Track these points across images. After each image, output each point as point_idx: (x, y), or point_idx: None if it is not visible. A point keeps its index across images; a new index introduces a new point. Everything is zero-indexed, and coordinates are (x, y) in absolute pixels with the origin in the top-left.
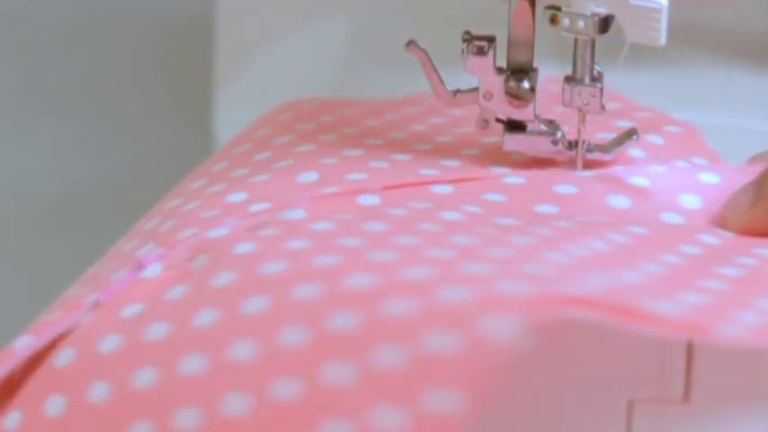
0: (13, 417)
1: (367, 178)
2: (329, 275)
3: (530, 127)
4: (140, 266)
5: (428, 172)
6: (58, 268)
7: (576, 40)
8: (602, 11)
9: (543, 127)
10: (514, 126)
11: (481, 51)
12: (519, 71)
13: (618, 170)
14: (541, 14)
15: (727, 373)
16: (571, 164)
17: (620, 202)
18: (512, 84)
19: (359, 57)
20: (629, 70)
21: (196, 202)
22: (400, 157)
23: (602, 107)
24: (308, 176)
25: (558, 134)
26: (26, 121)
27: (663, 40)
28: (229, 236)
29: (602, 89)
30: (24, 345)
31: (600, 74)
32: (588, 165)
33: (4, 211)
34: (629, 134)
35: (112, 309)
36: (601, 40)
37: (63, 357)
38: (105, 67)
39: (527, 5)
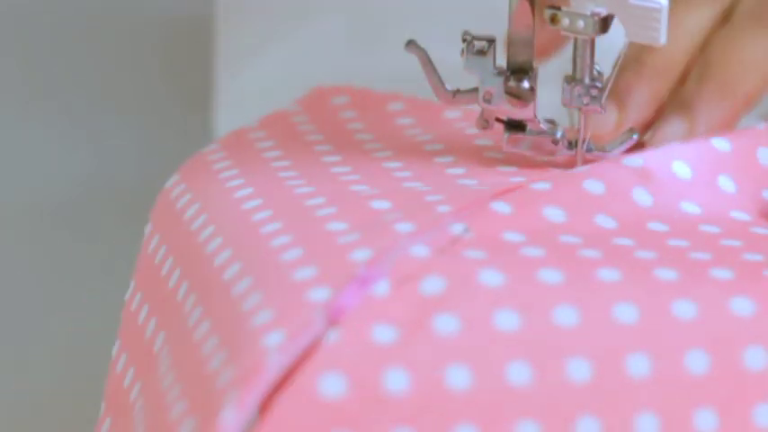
0: None
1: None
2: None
3: (530, 127)
4: (365, 281)
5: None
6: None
7: (575, 40)
8: (602, 11)
9: (543, 127)
10: (514, 126)
11: (481, 51)
12: (519, 71)
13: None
14: (541, 14)
15: None
16: (571, 164)
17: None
18: (512, 84)
19: (359, 57)
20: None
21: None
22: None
23: (602, 107)
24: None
25: (558, 134)
26: (25, 121)
27: (663, 40)
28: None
29: (601, 89)
30: (273, 365)
31: (600, 74)
32: (588, 164)
33: (4, 211)
34: (629, 133)
35: (358, 332)
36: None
37: (331, 387)
38: (105, 67)
39: (527, 5)
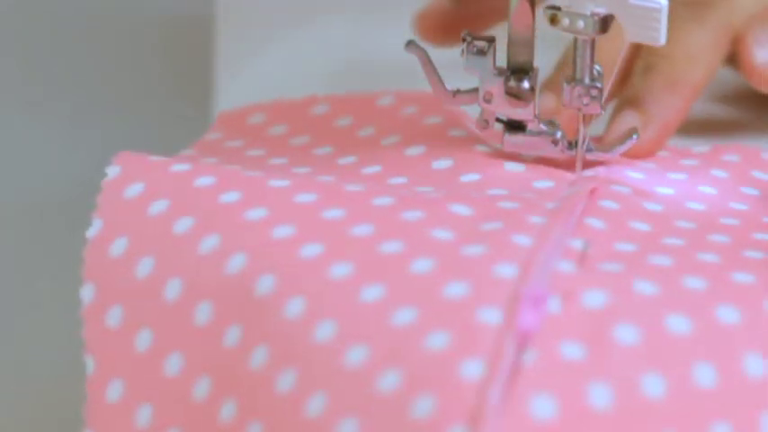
0: None
1: None
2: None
3: (530, 127)
4: (536, 301)
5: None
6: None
7: (575, 40)
8: (602, 11)
9: (543, 127)
10: (514, 126)
11: (481, 51)
12: (519, 71)
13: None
14: (541, 14)
15: None
16: (571, 164)
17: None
18: (512, 84)
19: (359, 56)
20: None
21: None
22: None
23: (602, 107)
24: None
25: (558, 134)
26: (24, 122)
27: (663, 40)
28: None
29: (601, 89)
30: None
31: (600, 74)
32: (588, 165)
33: (4, 211)
34: (630, 133)
35: (550, 352)
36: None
37: (542, 408)
38: (104, 67)
39: (527, 5)
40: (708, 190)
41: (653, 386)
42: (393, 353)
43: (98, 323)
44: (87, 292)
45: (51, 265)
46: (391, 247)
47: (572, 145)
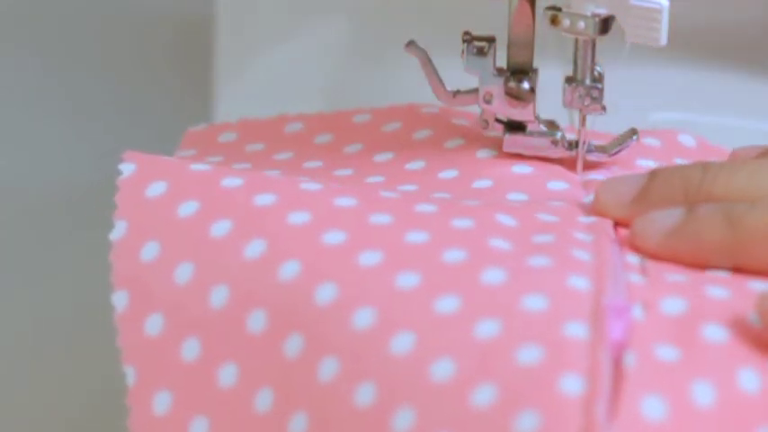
0: None
1: None
2: None
3: (529, 127)
4: (620, 312)
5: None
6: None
7: (576, 41)
8: (603, 11)
9: (543, 127)
10: (514, 127)
11: (481, 52)
12: (519, 72)
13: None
14: (542, 14)
15: None
16: (571, 164)
17: None
18: (512, 84)
19: (359, 56)
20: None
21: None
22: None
23: (603, 108)
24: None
25: (558, 134)
26: (23, 122)
27: (663, 40)
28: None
29: (602, 90)
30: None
31: (600, 74)
32: (588, 165)
33: (5, 211)
34: (630, 134)
35: (648, 355)
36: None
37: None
38: (104, 67)
39: (527, 6)
40: None
41: (749, 380)
42: (483, 367)
43: (136, 331)
44: (120, 299)
45: (52, 265)
46: (455, 255)
47: (572, 146)
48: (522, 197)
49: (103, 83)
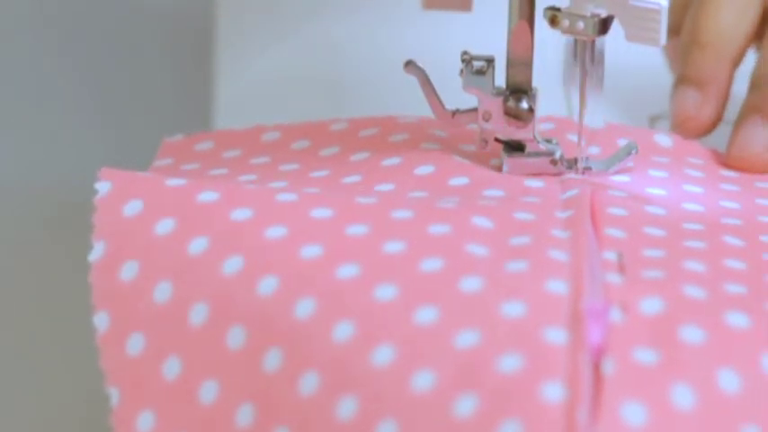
0: None
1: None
2: None
3: (528, 147)
4: (598, 314)
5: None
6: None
7: (575, 41)
8: (602, 12)
9: (542, 146)
10: (513, 146)
11: (480, 71)
12: (518, 91)
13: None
14: (541, 16)
15: None
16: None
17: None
18: (510, 104)
19: (359, 57)
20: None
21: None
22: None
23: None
24: None
25: (558, 154)
26: (24, 121)
27: (662, 41)
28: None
29: (602, 66)
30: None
31: (601, 53)
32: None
33: (4, 211)
34: (628, 150)
35: (626, 359)
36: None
37: (633, 414)
38: (104, 67)
39: (526, 25)
40: (694, 189)
41: (728, 381)
42: (464, 377)
43: (117, 352)
44: (101, 320)
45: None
46: (432, 265)
47: (571, 164)
48: (498, 194)
49: (102, 82)
